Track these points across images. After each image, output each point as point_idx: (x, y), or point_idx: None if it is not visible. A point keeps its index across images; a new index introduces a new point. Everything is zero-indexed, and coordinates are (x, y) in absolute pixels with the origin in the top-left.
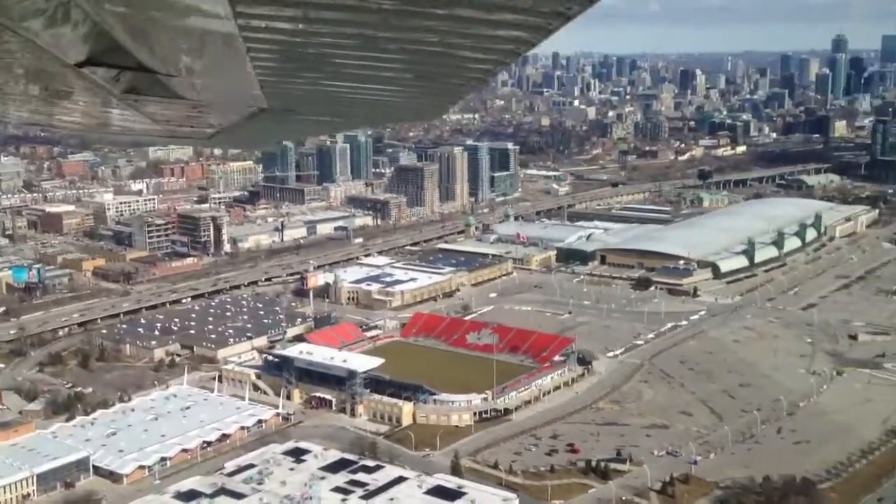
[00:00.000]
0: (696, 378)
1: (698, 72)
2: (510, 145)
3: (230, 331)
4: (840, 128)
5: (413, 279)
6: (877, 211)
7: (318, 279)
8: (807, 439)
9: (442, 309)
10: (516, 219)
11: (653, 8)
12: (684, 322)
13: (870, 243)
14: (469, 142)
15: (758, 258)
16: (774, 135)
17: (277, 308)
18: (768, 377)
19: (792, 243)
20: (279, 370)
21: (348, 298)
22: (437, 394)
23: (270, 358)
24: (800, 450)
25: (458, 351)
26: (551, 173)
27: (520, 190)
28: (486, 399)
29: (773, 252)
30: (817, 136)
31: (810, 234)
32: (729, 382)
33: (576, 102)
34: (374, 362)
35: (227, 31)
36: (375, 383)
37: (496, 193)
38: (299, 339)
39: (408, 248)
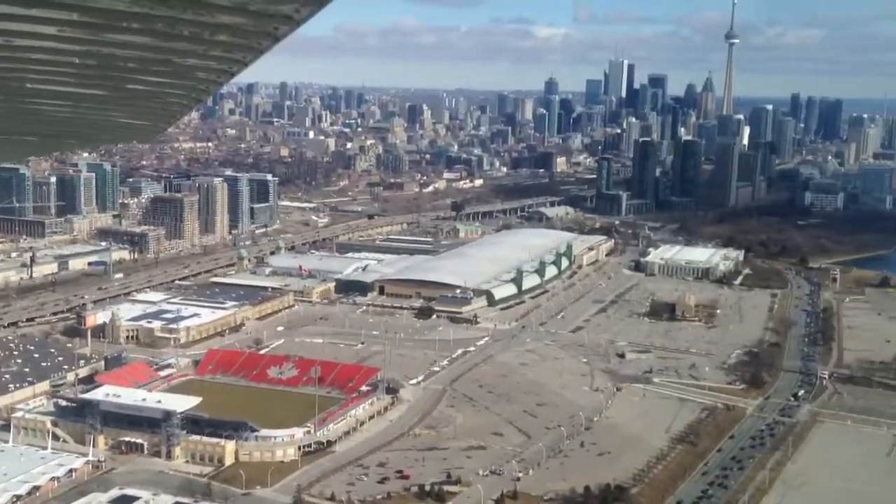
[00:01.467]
0: (497, 400)
1: (425, 107)
2: (269, 177)
3: (6, 376)
4: (561, 163)
5: (196, 314)
6: (612, 241)
7: (97, 317)
8: (608, 450)
9: (233, 344)
10: (289, 250)
11: (370, 42)
12: (472, 348)
13: (612, 270)
14: (227, 172)
15: (524, 285)
16: (505, 169)
17: (53, 350)
18: (560, 395)
19: (551, 271)
20: (79, 416)
21: (128, 337)
22: (259, 430)
23: (66, 403)
24: (604, 460)
25: (262, 386)
26: (305, 205)
27: (278, 222)
28: (308, 432)
29: (536, 280)
30: (542, 170)
31: (564, 262)
32: (527, 403)
33: (311, 134)
34: (191, 401)
35: None
36: (192, 423)
37: (256, 225)
38: (87, 381)
39: (177, 282)
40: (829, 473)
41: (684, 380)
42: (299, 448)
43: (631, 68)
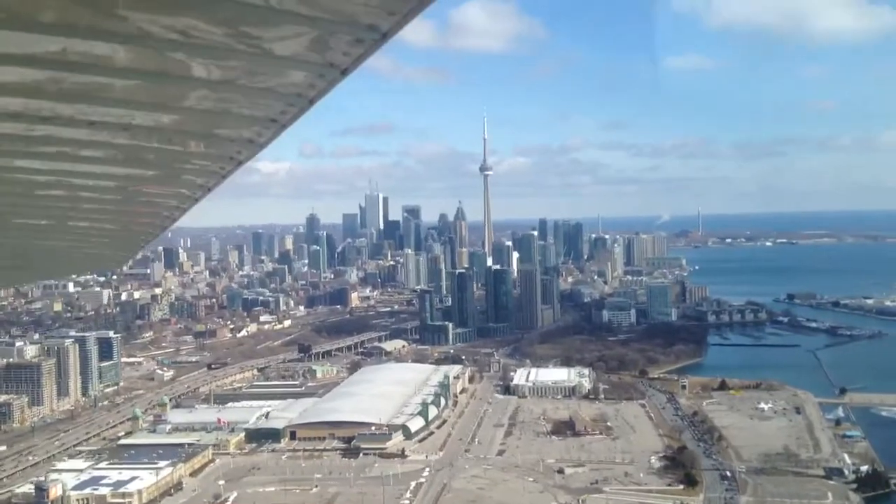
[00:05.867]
0: None
1: (181, 249)
2: (111, 333)
3: None
4: (355, 298)
5: (134, 477)
6: (468, 369)
7: (58, 489)
8: None
9: (189, 502)
10: (178, 405)
11: None
12: (422, 479)
13: (485, 395)
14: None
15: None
16: (302, 308)
17: None
18: None
19: (441, 402)
20: None
21: None
22: None
23: None
24: None
25: None
26: (131, 359)
27: (122, 379)
28: None
29: (434, 411)
30: (339, 306)
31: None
32: None
33: (69, 285)
34: None
35: None
36: None
37: (104, 384)
38: None
39: (78, 448)
40: None
41: (629, 487)
42: None
43: (386, 200)
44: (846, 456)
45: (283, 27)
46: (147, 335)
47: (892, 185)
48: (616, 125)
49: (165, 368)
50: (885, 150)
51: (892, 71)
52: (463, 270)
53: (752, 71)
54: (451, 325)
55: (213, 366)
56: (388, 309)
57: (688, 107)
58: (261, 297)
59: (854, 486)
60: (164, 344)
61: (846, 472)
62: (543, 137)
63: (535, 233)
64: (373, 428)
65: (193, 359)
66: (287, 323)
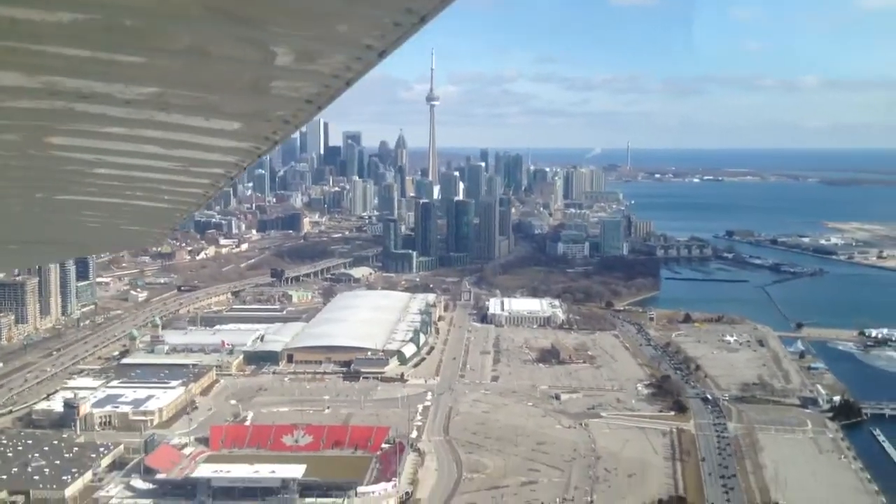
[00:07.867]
0: (502, 445)
1: None
2: None
3: (46, 471)
4: (306, 224)
5: (150, 396)
6: (442, 297)
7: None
8: (633, 473)
9: (208, 420)
10: (164, 326)
11: None
12: (428, 403)
13: (462, 324)
14: None
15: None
16: (254, 232)
17: (56, 441)
18: (545, 434)
19: (427, 329)
20: (180, 496)
21: (101, 423)
22: (356, 488)
23: (149, 486)
24: (637, 479)
25: (287, 454)
26: (99, 280)
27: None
28: (394, 486)
29: (422, 338)
30: (291, 231)
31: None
32: (527, 444)
33: None
34: (299, 469)
35: None
36: (301, 489)
37: (81, 304)
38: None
39: (76, 366)
40: (797, 471)
41: (623, 412)
42: (400, 501)
43: (326, 126)
44: (819, 387)
45: (324, 8)
46: (104, 255)
47: (812, 126)
48: (549, 59)
49: (138, 289)
50: (807, 92)
51: (817, 15)
52: (426, 200)
53: (684, 10)
54: (415, 254)
55: (182, 288)
56: (340, 235)
57: (620, 43)
58: (212, 220)
59: (829, 414)
60: (124, 265)
61: (821, 401)
62: (478, 68)
63: (483, 164)
64: (368, 353)
65: (161, 280)
66: (244, 247)
